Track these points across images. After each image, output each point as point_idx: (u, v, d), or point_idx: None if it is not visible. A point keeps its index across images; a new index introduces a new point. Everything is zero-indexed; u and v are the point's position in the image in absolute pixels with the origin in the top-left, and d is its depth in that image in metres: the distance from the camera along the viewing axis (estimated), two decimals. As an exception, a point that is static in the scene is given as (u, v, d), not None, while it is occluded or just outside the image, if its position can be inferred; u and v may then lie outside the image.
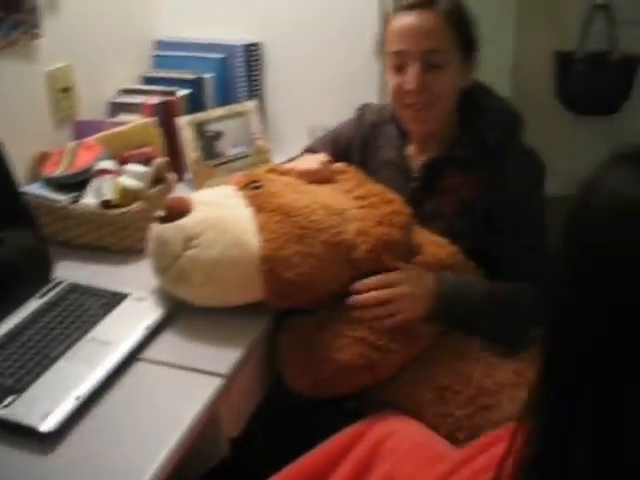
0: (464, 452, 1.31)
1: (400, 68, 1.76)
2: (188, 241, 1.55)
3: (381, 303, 1.59)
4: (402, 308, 1.60)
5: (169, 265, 1.57)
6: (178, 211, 1.60)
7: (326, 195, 1.70)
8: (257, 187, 1.66)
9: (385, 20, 1.81)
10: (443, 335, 1.65)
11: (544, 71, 4.50)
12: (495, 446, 1.17)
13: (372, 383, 1.58)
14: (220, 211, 1.61)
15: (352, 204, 1.69)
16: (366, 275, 1.62)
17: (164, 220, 1.60)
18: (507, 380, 1.59)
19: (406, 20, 1.73)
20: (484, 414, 1.54)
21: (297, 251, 1.55)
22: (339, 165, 1.86)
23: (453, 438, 1.52)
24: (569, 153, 4.70)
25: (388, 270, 1.63)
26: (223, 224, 1.57)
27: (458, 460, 1.28)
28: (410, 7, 1.73)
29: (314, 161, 1.83)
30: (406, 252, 1.67)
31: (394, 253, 1.61)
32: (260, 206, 1.61)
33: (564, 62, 4.43)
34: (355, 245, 1.60)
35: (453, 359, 1.61)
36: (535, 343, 1.78)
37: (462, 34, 1.74)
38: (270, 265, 1.53)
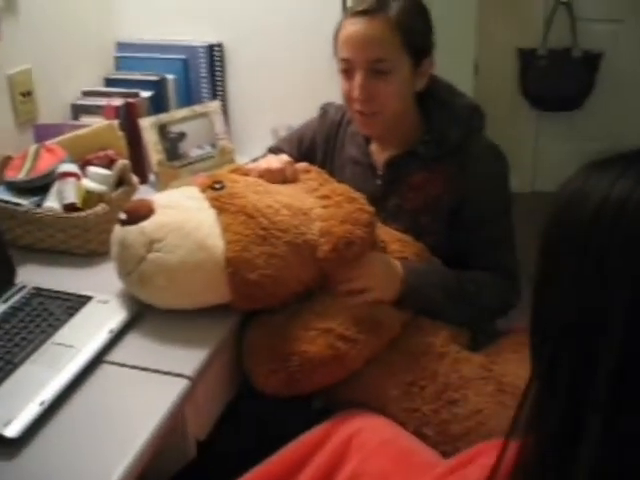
0: (450, 464, 1.31)
1: (349, 74, 1.77)
2: (151, 244, 1.54)
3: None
4: (376, 286, 1.63)
5: (132, 269, 1.56)
6: (140, 214, 1.59)
7: (289, 195, 1.69)
8: (219, 188, 1.65)
9: (337, 25, 1.80)
10: (408, 331, 1.66)
11: (507, 68, 4.53)
12: (483, 457, 1.17)
13: (342, 375, 1.58)
14: (183, 213, 1.60)
15: (316, 204, 1.69)
16: (330, 275, 1.63)
17: (126, 223, 1.59)
18: (473, 374, 1.60)
19: (354, 28, 1.73)
20: (451, 408, 1.55)
21: (261, 252, 1.55)
22: (302, 165, 1.86)
23: (420, 433, 1.54)
24: (532, 149, 4.74)
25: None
26: (186, 227, 1.56)
27: (445, 471, 1.28)
28: (359, 13, 1.73)
29: (276, 161, 1.83)
30: (370, 250, 1.67)
31: (357, 252, 1.61)
32: (222, 207, 1.60)
33: (527, 58, 4.48)
34: (319, 245, 1.61)
35: (418, 355, 1.63)
36: (500, 336, 1.81)
37: (412, 39, 1.73)
38: (234, 267, 1.52)
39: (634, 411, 0.74)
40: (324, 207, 1.67)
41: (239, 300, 1.56)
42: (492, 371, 1.61)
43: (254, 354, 1.60)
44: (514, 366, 1.62)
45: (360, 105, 1.77)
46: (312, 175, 1.81)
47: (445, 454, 1.46)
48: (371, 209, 1.66)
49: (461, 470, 1.24)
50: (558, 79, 4.39)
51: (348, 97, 1.79)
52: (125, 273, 1.59)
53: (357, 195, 1.70)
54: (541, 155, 4.72)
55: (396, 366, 1.61)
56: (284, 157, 1.87)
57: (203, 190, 1.67)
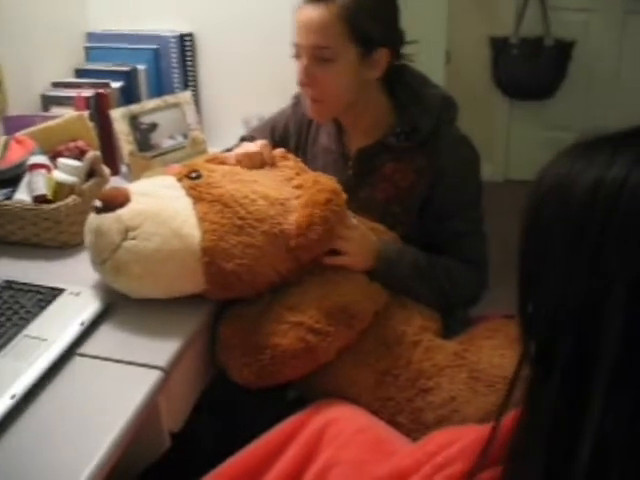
0: (424, 448, 1.31)
1: (298, 60, 1.79)
2: (126, 232, 1.53)
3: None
4: (351, 251, 1.66)
5: (107, 257, 1.54)
6: (116, 201, 1.57)
7: (267, 185, 1.69)
8: (196, 177, 1.64)
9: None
10: (381, 320, 1.66)
11: (480, 57, 4.55)
12: (460, 442, 1.17)
13: (314, 367, 1.58)
14: (159, 202, 1.59)
15: (292, 193, 1.68)
16: (305, 266, 1.63)
17: (101, 210, 1.57)
18: (447, 362, 1.61)
19: (302, 13, 1.74)
20: (424, 397, 1.56)
21: (238, 242, 1.54)
22: (279, 150, 1.85)
23: (394, 422, 1.54)
24: (505, 137, 4.76)
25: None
26: (162, 215, 1.55)
27: (419, 456, 1.28)
28: (309, 0, 1.74)
29: (253, 145, 1.83)
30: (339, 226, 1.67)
31: (321, 232, 1.60)
32: (199, 197, 1.59)
33: (499, 47, 4.49)
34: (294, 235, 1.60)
35: (392, 344, 1.63)
36: (473, 324, 1.82)
37: (360, 29, 1.72)
38: (210, 257, 1.52)
39: (635, 390, 0.74)
40: (297, 198, 1.66)
41: (214, 289, 1.56)
42: (465, 358, 1.62)
43: (227, 348, 1.60)
44: (487, 353, 1.62)
45: (306, 90, 1.80)
46: (289, 163, 1.81)
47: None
48: (331, 187, 1.65)
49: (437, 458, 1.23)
50: (530, 68, 4.41)
51: (298, 82, 1.81)
52: (100, 262, 1.57)
53: (322, 178, 1.69)
54: (514, 144, 4.75)
55: (369, 356, 1.62)
56: (260, 141, 1.86)
57: (179, 179, 1.66)
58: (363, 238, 1.69)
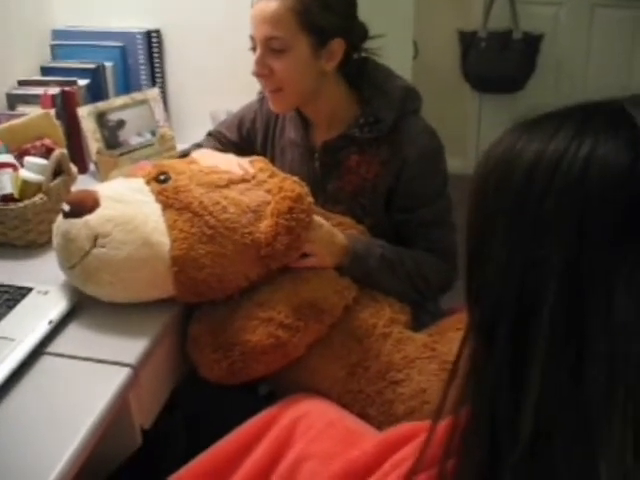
0: (383, 443, 1.31)
1: (254, 52, 1.80)
2: (95, 239, 1.51)
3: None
4: (318, 251, 1.66)
5: (76, 263, 1.53)
6: (84, 206, 1.54)
7: (237, 189, 1.66)
8: (164, 180, 1.62)
9: None
10: (351, 314, 1.66)
11: (448, 50, 4.56)
12: (419, 437, 1.17)
13: (284, 362, 1.58)
14: (128, 208, 1.57)
15: (264, 198, 1.65)
16: (275, 271, 1.63)
17: (69, 215, 1.55)
18: (417, 354, 1.62)
19: (257, 6, 1.76)
20: (395, 388, 1.57)
21: (208, 251, 1.54)
22: (254, 158, 1.84)
23: (365, 414, 1.55)
24: (475, 131, 4.78)
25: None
26: (132, 223, 1.53)
27: (377, 451, 1.28)
28: None
29: (234, 164, 1.78)
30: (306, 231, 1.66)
31: (287, 241, 1.59)
32: (167, 203, 1.57)
33: (467, 41, 4.51)
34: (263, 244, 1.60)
35: (362, 337, 1.64)
36: (444, 316, 1.82)
37: (312, 20, 1.73)
38: (180, 266, 1.52)
39: (571, 365, 0.74)
40: (268, 203, 1.65)
41: (184, 295, 1.56)
42: (435, 350, 1.63)
43: (198, 345, 1.60)
44: (458, 345, 1.63)
45: (261, 81, 1.82)
46: (261, 165, 1.77)
47: None
48: (294, 194, 1.62)
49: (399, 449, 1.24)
50: (499, 61, 4.43)
51: (253, 73, 1.82)
52: (68, 266, 1.56)
53: (286, 183, 1.65)
54: (484, 137, 4.76)
55: (340, 349, 1.62)
56: (241, 160, 1.81)
57: (148, 182, 1.64)
58: (329, 236, 1.69)
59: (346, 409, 1.55)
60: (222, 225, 1.56)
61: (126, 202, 1.58)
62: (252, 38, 1.80)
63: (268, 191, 1.67)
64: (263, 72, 1.78)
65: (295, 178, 1.68)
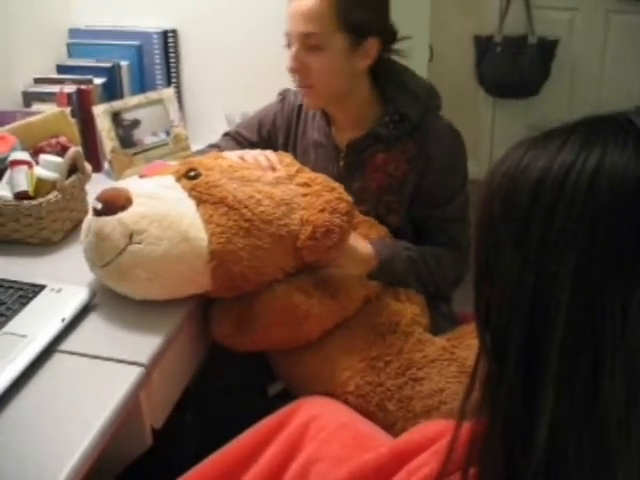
0: (397, 448, 1.30)
1: (289, 48, 1.81)
2: (131, 236, 1.50)
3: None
4: (345, 263, 1.69)
5: (111, 260, 1.52)
6: (117, 204, 1.54)
7: (269, 183, 1.68)
8: (194, 176, 1.62)
9: None
10: (374, 309, 1.69)
11: (463, 55, 4.55)
12: (435, 444, 1.17)
13: (293, 331, 1.60)
14: (162, 204, 1.56)
15: (296, 192, 1.67)
16: (308, 264, 1.65)
17: (101, 213, 1.54)
18: (436, 355, 1.63)
19: (294, 2, 1.76)
20: (414, 386, 1.59)
21: (245, 244, 1.54)
22: (279, 153, 1.86)
23: (383, 408, 1.57)
24: (489, 136, 4.77)
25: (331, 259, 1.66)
26: (168, 219, 1.53)
27: (392, 454, 1.27)
28: None
29: (261, 156, 1.80)
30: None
31: (336, 240, 1.60)
32: (202, 198, 1.58)
33: (483, 45, 4.50)
34: (299, 234, 1.61)
35: (384, 332, 1.66)
36: (459, 321, 1.83)
37: (349, 18, 1.74)
38: (219, 260, 1.52)
39: (586, 380, 0.74)
40: (304, 195, 1.66)
41: (220, 290, 1.57)
42: (454, 354, 1.64)
43: (217, 303, 1.63)
44: (477, 352, 1.63)
45: (295, 77, 1.83)
46: (288, 161, 1.80)
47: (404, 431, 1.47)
48: (349, 198, 1.66)
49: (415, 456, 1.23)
50: (514, 66, 4.42)
51: (289, 69, 1.82)
52: (101, 265, 1.55)
53: (336, 184, 1.69)
54: (498, 142, 4.76)
55: (361, 342, 1.65)
56: (268, 153, 1.83)
57: (178, 179, 1.64)
58: (356, 248, 1.72)
59: (365, 401, 1.56)
60: (258, 218, 1.57)
61: (159, 199, 1.58)
62: (288, 35, 1.80)
63: (302, 185, 1.69)
64: (299, 68, 1.79)
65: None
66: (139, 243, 1.50)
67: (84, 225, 1.59)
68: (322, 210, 1.61)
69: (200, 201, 1.57)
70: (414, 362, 1.62)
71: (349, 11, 1.73)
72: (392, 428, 1.54)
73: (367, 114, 1.88)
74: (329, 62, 1.77)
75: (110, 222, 1.52)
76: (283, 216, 1.60)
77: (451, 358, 1.63)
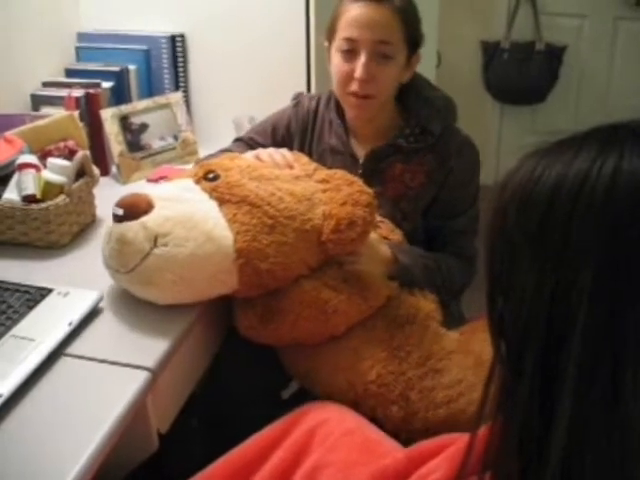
0: (414, 452, 1.31)
1: (350, 54, 1.78)
2: (155, 240, 1.49)
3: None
4: (365, 264, 1.68)
5: (135, 265, 1.51)
6: (140, 208, 1.52)
7: (288, 180, 1.69)
8: (213, 178, 1.62)
9: (337, 6, 1.82)
10: (393, 303, 1.70)
11: (470, 61, 4.55)
12: (446, 451, 1.17)
13: (318, 326, 1.61)
14: (185, 206, 1.56)
15: (316, 188, 1.69)
16: (332, 257, 1.66)
17: (122, 219, 1.52)
18: (453, 347, 1.65)
19: (361, 10, 1.75)
20: (434, 376, 1.60)
21: (271, 241, 1.55)
22: (295, 152, 1.87)
23: (406, 397, 1.58)
24: (496, 142, 4.76)
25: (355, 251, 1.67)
26: (191, 221, 1.52)
27: (409, 460, 1.27)
28: None
29: (277, 154, 1.80)
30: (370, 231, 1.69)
31: (360, 232, 1.61)
32: (223, 198, 1.58)
33: (490, 52, 4.49)
34: (322, 228, 1.62)
35: (404, 323, 1.68)
36: (467, 320, 1.84)
37: (410, 30, 1.77)
38: (246, 257, 1.52)
39: (605, 390, 0.73)
40: (324, 191, 1.68)
41: (247, 289, 1.57)
42: (470, 346, 1.66)
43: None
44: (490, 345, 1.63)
45: (358, 86, 1.79)
46: (304, 160, 1.82)
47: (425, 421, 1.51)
48: (370, 190, 1.67)
49: (426, 463, 1.23)
50: (521, 72, 4.41)
51: (345, 77, 1.80)
52: (125, 271, 1.53)
53: (355, 178, 1.71)
54: (505, 148, 4.75)
55: (382, 333, 1.66)
56: (283, 151, 1.84)
57: (197, 181, 1.64)
58: (375, 251, 1.72)
59: (387, 390, 1.58)
60: (281, 214, 1.57)
61: (181, 201, 1.57)
62: (352, 41, 1.77)
63: (321, 181, 1.71)
64: (368, 77, 1.76)
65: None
66: (165, 245, 1.49)
67: (104, 233, 1.58)
68: (344, 203, 1.62)
69: (222, 201, 1.58)
70: (433, 353, 1.63)
71: (411, 25, 1.77)
72: (413, 417, 1.57)
73: (388, 124, 1.89)
74: (394, 73, 1.79)
75: (133, 227, 1.51)
76: (306, 211, 1.61)
77: (467, 350, 1.64)
